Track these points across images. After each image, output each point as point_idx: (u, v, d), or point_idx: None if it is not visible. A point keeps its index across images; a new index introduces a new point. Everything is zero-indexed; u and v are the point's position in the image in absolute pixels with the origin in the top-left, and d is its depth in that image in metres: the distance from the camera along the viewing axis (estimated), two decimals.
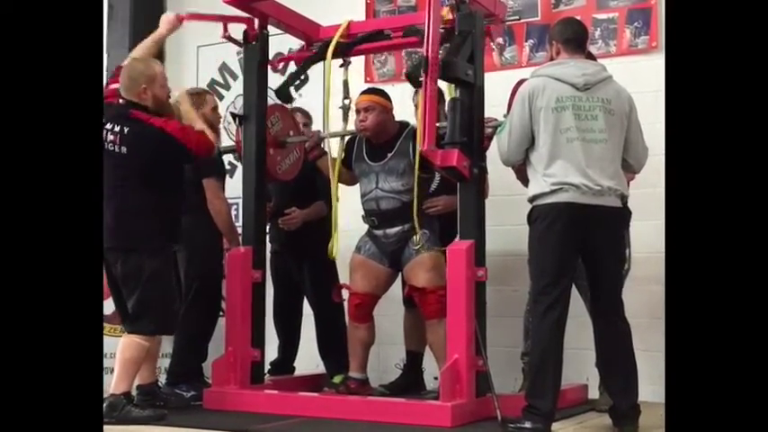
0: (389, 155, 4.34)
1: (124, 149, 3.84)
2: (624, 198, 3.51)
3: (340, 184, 4.51)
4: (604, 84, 3.54)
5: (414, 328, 4.62)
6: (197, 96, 4.47)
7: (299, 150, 4.72)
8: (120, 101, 3.98)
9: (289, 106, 4.82)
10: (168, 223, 3.90)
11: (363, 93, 4.47)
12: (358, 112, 4.38)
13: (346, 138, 4.57)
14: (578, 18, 3.88)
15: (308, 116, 5.06)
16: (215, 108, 4.62)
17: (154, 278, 3.77)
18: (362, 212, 4.48)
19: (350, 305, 4.41)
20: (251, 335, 4.25)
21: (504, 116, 3.82)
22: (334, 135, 4.52)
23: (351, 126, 4.50)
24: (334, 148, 4.51)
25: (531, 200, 3.52)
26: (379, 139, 4.40)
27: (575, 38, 3.63)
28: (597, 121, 3.45)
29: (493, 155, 3.95)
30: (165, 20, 4.31)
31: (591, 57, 3.86)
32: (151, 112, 3.92)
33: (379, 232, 4.37)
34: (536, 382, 3.43)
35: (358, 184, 4.53)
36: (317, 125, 5.15)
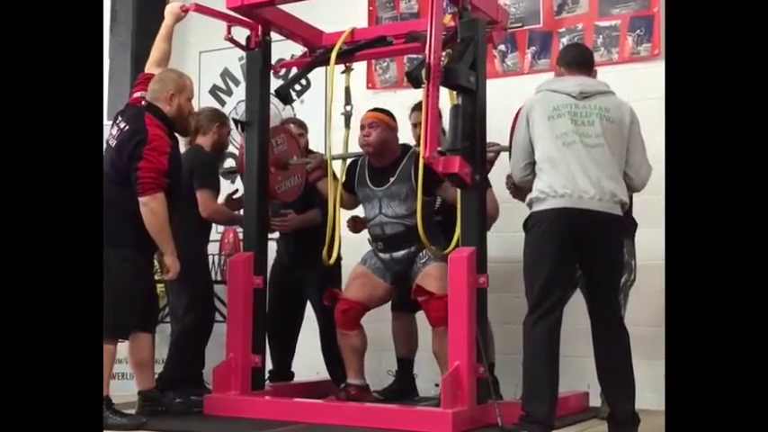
0: (392, 179, 4.35)
1: (114, 144, 3.86)
2: (624, 206, 3.49)
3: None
4: (603, 95, 3.54)
5: (402, 336, 4.66)
6: (223, 116, 4.83)
7: (301, 176, 4.73)
8: (143, 103, 3.99)
9: (286, 112, 4.83)
10: (136, 225, 3.77)
11: (369, 110, 4.48)
12: (362, 127, 4.39)
13: (348, 161, 4.59)
14: (580, 42, 3.90)
15: (302, 126, 5.05)
16: (229, 133, 4.85)
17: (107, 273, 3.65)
18: (369, 236, 4.50)
19: (337, 311, 4.38)
20: (252, 341, 4.24)
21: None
22: (336, 158, 4.53)
23: (353, 134, 4.49)
24: (335, 162, 4.53)
25: (529, 205, 3.52)
26: (381, 158, 4.41)
27: (574, 59, 3.68)
28: (593, 127, 3.45)
29: (498, 175, 4.00)
30: (169, 10, 4.35)
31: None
32: (168, 120, 3.93)
33: (385, 256, 4.40)
34: (530, 389, 3.42)
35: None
36: (317, 130, 5.16)
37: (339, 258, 4.65)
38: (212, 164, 4.67)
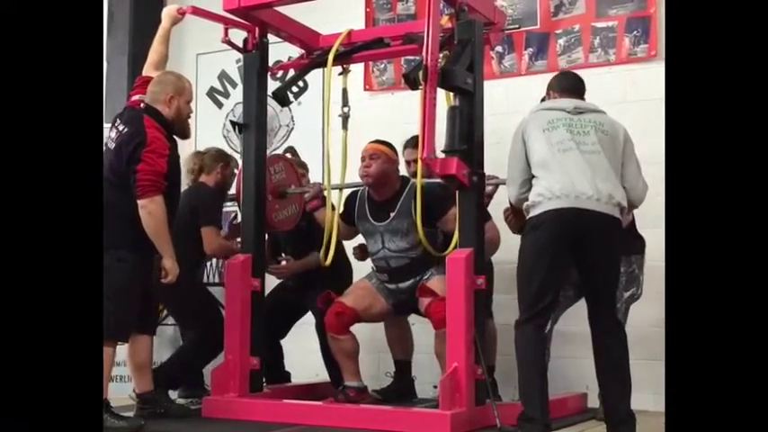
0: (392, 214, 4.35)
1: (113, 146, 3.85)
2: (623, 210, 3.48)
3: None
4: (597, 113, 3.58)
5: (396, 339, 4.68)
6: (228, 157, 4.92)
7: (299, 205, 4.73)
8: (142, 105, 3.98)
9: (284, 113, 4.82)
10: (134, 227, 3.75)
11: (371, 142, 4.47)
12: (363, 159, 4.39)
13: (345, 191, 4.60)
14: (572, 71, 3.93)
15: (304, 166, 5.08)
16: (233, 174, 4.88)
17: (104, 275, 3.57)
18: (373, 265, 4.53)
19: (329, 313, 4.37)
20: (250, 343, 4.23)
21: None
22: (335, 188, 4.53)
23: (351, 135, 4.49)
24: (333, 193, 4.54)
25: (526, 210, 3.51)
26: (381, 191, 4.41)
27: (567, 87, 3.73)
28: (589, 136, 3.47)
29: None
30: (166, 13, 4.35)
31: None
32: (167, 123, 3.92)
33: (391, 286, 4.42)
34: (524, 390, 3.43)
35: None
36: (316, 131, 5.16)
37: (348, 273, 4.76)
38: (215, 201, 4.73)
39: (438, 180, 4.18)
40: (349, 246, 4.84)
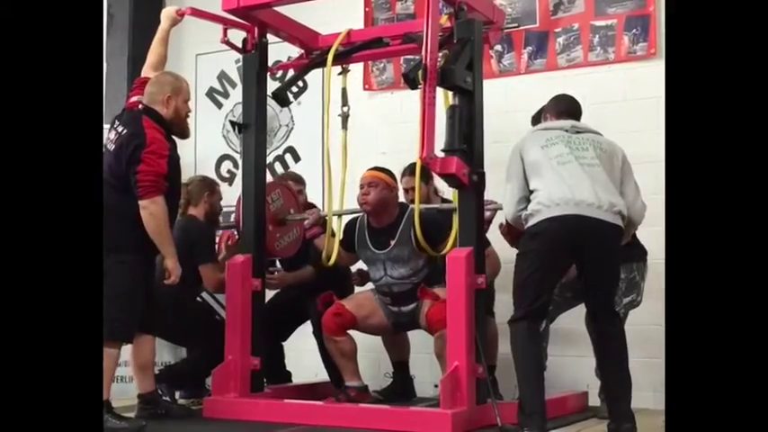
0: (392, 242, 4.34)
1: (113, 148, 3.84)
2: (624, 218, 3.48)
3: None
4: (595, 134, 3.60)
5: (392, 342, 4.72)
6: (213, 184, 4.89)
7: (299, 229, 4.73)
8: (140, 106, 3.98)
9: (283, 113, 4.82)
10: (135, 229, 3.75)
11: (369, 170, 4.46)
12: (362, 186, 4.38)
13: (344, 218, 4.61)
14: (570, 95, 3.93)
15: (301, 181, 5.08)
16: (221, 198, 4.90)
17: (106, 278, 3.43)
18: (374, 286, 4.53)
19: (327, 314, 4.38)
20: (251, 344, 4.23)
21: None
22: (335, 214, 4.53)
23: (350, 135, 4.49)
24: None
25: (525, 220, 3.50)
26: (380, 218, 4.40)
27: (564, 110, 3.74)
28: (588, 152, 3.49)
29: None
30: (165, 14, 4.36)
31: None
32: (165, 123, 3.92)
33: (394, 308, 4.43)
34: (523, 388, 3.44)
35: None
36: (315, 132, 5.14)
37: (353, 286, 4.77)
38: (209, 237, 4.73)
39: (436, 205, 4.22)
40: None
